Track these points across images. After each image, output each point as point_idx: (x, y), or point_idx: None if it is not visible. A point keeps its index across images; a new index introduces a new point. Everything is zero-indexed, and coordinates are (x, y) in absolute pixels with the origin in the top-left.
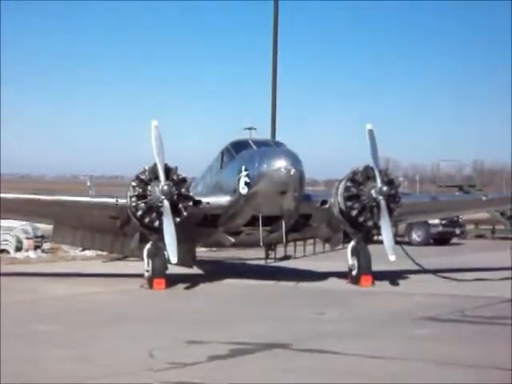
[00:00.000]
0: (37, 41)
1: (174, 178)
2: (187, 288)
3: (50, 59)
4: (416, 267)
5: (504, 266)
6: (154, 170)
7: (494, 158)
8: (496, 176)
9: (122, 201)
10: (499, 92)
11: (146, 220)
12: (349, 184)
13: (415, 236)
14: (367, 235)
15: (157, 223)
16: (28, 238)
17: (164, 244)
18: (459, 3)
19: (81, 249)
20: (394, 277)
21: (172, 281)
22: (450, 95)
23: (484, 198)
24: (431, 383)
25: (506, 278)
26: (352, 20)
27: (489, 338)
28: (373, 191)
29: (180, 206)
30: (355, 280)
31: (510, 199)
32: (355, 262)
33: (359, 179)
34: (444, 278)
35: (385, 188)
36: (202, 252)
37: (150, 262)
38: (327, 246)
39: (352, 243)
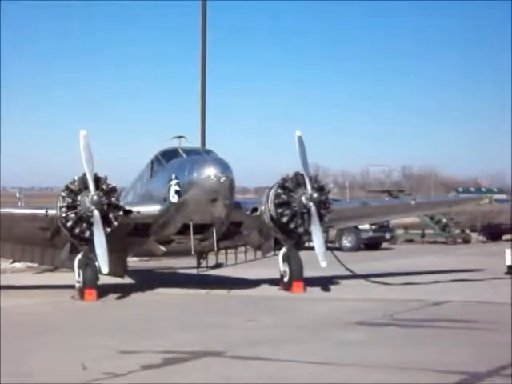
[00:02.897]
0: None
1: (104, 187)
2: (119, 298)
3: None
4: (347, 272)
5: (433, 270)
6: (83, 180)
7: (422, 163)
8: (424, 181)
9: (51, 211)
10: (425, 96)
11: (76, 230)
12: (279, 191)
13: (346, 242)
14: (298, 242)
15: (87, 233)
16: None
17: (95, 254)
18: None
19: (11, 261)
20: (325, 282)
21: (103, 291)
22: (376, 100)
23: (413, 203)
24: None
25: (436, 282)
26: (278, 27)
27: (418, 340)
28: (303, 198)
29: (110, 215)
30: (287, 286)
31: (438, 203)
32: (287, 269)
33: (289, 186)
34: (374, 282)
35: (315, 194)
36: (133, 262)
37: (81, 272)
38: (259, 253)
39: (283, 250)
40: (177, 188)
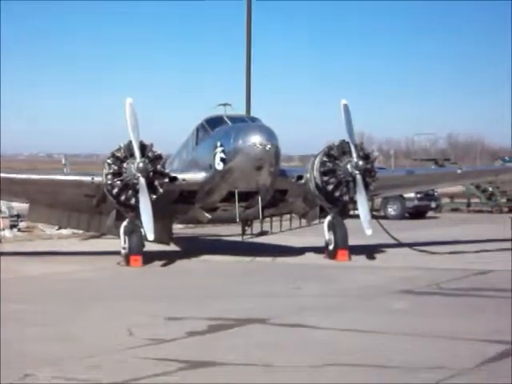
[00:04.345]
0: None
1: (150, 155)
2: (164, 265)
3: (16, 36)
4: (392, 241)
5: (479, 239)
6: (129, 148)
7: (469, 131)
8: (470, 149)
9: (97, 179)
10: (472, 66)
11: (122, 198)
12: (325, 159)
13: (391, 210)
14: (343, 210)
15: (133, 201)
16: (3, 218)
17: (141, 221)
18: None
19: (57, 227)
20: (370, 251)
21: (149, 258)
22: (423, 69)
23: (459, 172)
24: (406, 356)
25: (482, 251)
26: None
27: (465, 309)
28: (349, 166)
29: (156, 182)
30: (332, 255)
31: (484, 172)
32: (332, 237)
33: (335, 154)
34: (420, 251)
35: (361, 162)
36: (178, 229)
37: (127, 239)
38: (303, 221)
39: (328, 218)
40: (222, 155)
